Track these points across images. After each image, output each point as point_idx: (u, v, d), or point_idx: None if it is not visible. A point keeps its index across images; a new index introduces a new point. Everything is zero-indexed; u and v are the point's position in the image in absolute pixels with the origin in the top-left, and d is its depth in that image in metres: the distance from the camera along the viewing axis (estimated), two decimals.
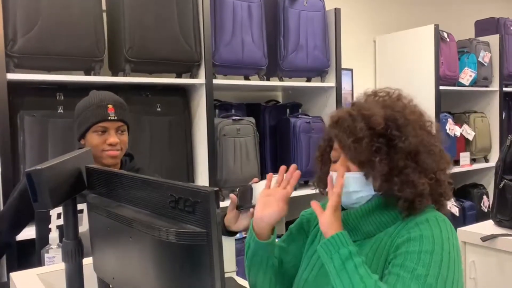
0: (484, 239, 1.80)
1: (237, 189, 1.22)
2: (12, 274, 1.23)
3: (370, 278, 0.89)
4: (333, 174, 1.04)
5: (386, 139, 0.99)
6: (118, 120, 1.54)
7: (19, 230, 1.64)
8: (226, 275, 1.34)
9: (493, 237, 1.79)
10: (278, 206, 1.04)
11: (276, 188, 1.09)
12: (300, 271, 1.13)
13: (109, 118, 1.52)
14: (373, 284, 0.88)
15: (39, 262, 1.44)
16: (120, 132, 1.56)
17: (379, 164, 0.97)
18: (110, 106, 1.53)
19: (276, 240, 1.12)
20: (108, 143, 1.52)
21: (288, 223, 2.46)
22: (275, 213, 1.04)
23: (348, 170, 1.02)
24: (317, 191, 1.17)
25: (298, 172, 1.09)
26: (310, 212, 1.21)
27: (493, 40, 3.83)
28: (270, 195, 1.06)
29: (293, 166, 1.10)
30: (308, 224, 1.19)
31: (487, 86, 3.85)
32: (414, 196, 0.97)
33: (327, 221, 0.96)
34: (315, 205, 1.01)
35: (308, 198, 1.28)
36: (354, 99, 1.12)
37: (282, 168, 1.11)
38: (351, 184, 1.01)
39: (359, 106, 1.05)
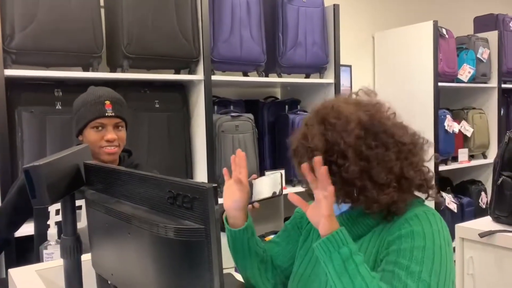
0: (482, 235, 1.81)
1: None
2: (10, 270, 1.22)
3: (373, 278, 0.88)
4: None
5: (336, 165, 0.95)
6: (115, 116, 1.54)
7: (17, 227, 1.64)
8: (225, 271, 1.35)
9: (491, 233, 1.80)
10: (239, 190, 1.08)
11: (232, 177, 1.11)
12: (295, 267, 1.14)
13: (106, 114, 1.51)
14: (376, 285, 0.87)
15: (38, 259, 1.44)
16: (118, 128, 1.56)
17: (336, 193, 0.93)
18: (107, 102, 1.52)
19: (271, 236, 1.13)
20: (105, 139, 1.52)
21: (286, 220, 2.47)
22: (238, 198, 1.08)
23: None
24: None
25: (243, 154, 1.12)
26: None
27: (492, 36, 3.82)
28: (230, 185, 1.10)
29: (238, 150, 1.13)
30: (301, 220, 1.19)
31: (485, 83, 3.85)
32: (385, 207, 0.97)
33: (327, 225, 0.91)
34: (295, 198, 0.98)
35: (305, 194, 1.28)
36: (305, 119, 1.05)
37: (232, 157, 1.12)
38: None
39: (306, 132, 1.00)
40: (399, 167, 0.97)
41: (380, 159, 0.96)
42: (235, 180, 1.08)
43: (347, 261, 0.88)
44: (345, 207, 1.03)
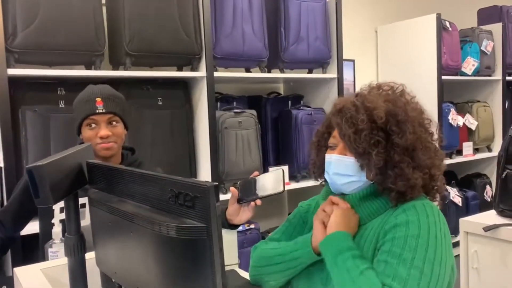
0: (487, 229, 1.80)
1: (238, 183, 1.22)
2: (16, 269, 1.23)
3: (356, 268, 0.93)
4: (328, 156, 1.07)
5: (385, 133, 1.01)
6: (107, 112, 1.53)
7: (23, 225, 1.65)
8: (229, 267, 1.35)
9: (495, 227, 1.79)
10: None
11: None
12: None
13: (97, 111, 1.51)
14: (358, 274, 0.92)
15: (43, 257, 1.45)
16: (111, 124, 1.55)
17: (375, 157, 0.99)
18: (98, 99, 1.52)
19: (269, 234, 1.13)
20: (99, 136, 1.52)
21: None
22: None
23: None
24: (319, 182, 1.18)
25: None
26: (308, 203, 1.22)
27: (496, 28, 3.79)
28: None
29: None
30: (306, 215, 1.20)
31: (490, 75, 3.82)
32: (406, 188, 0.99)
33: (335, 221, 1.01)
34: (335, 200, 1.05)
35: (310, 189, 1.28)
36: (358, 90, 1.14)
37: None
38: (344, 168, 1.04)
39: (363, 97, 1.07)
40: (431, 162, 1.03)
41: (425, 144, 1.03)
42: None
43: (337, 257, 0.96)
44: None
